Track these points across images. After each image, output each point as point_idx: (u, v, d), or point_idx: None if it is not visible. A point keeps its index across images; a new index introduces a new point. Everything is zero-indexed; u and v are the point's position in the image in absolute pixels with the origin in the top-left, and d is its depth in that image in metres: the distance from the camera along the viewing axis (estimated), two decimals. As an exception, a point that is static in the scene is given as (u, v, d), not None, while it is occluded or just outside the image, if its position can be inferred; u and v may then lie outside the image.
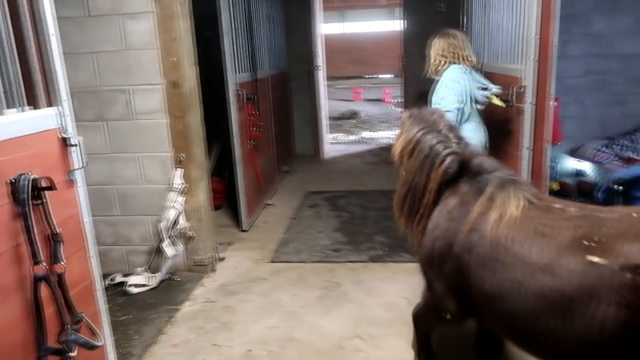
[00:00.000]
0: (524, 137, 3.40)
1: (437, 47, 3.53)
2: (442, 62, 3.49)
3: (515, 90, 3.46)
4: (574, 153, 5.73)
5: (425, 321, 2.48)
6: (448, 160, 2.12)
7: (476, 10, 5.08)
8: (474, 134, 3.45)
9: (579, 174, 5.75)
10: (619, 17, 5.35)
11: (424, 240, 2.20)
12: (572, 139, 5.66)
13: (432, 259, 2.13)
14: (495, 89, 3.48)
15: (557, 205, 1.82)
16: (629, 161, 5.02)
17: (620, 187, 2.76)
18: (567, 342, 1.63)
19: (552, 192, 4.19)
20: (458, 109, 3.34)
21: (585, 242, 1.59)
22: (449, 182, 2.14)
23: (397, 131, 2.50)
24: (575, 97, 5.63)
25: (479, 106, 3.53)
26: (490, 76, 4.40)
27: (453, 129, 2.33)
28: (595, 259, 1.54)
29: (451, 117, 3.24)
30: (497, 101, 3.53)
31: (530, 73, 3.28)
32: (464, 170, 2.13)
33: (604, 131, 5.71)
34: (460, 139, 2.27)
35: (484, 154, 2.28)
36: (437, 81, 3.53)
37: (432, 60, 3.55)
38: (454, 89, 3.36)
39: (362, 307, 3.37)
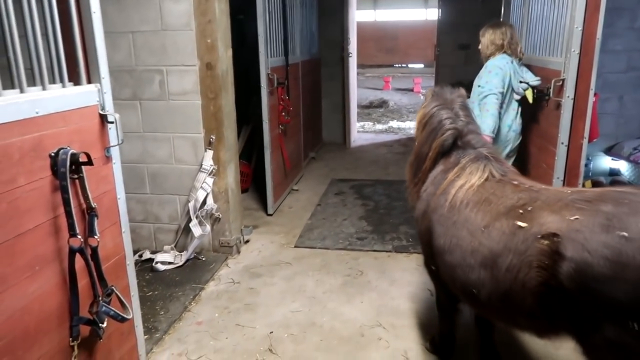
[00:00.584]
0: (560, 132, 3.31)
1: (489, 36, 3.72)
2: (493, 51, 3.70)
3: (554, 83, 3.36)
4: (610, 151, 5.57)
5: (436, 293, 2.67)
6: (447, 133, 2.35)
7: (516, 0, 4.93)
8: (513, 123, 3.73)
9: (613, 173, 5.59)
10: (666, 11, 5.13)
11: (417, 202, 2.46)
12: (609, 137, 5.49)
13: (417, 220, 2.43)
14: (535, 81, 3.67)
15: (515, 182, 2.04)
16: (667, 162, 4.85)
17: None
18: (494, 294, 1.85)
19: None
20: (501, 93, 3.56)
21: (520, 211, 1.83)
22: (444, 153, 2.38)
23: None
24: (615, 93, 5.45)
25: (515, 96, 3.71)
26: (528, 68, 4.30)
27: (466, 108, 2.49)
28: (522, 224, 1.77)
29: (494, 100, 3.52)
30: (529, 96, 3.69)
31: (572, 66, 3.18)
32: (457, 144, 2.36)
33: (642, 130, 5.52)
34: (468, 117, 2.45)
35: (478, 132, 2.45)
36: (483, 67, 3.72)
37: (484, 48, 3.76)
38: (498, 74, 3.57)
39: (385, 296, 3.37)
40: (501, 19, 5.72)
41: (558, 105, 3.38)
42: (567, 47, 3.22)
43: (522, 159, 4.38)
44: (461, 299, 2.22)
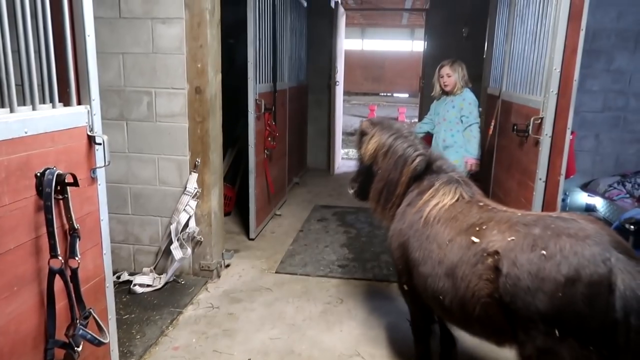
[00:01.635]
0: (539, 169, 3.41)
1: (461, 72, 4.38)
2: (463, 85, 4.39)
3: (533, 121, 3.48)
4: (586, 187, 5.72)
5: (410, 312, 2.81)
6: (417, 160, 2.61)
7: (499, 38, 5.12)
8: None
9: (589, 209, 5.73)
10: (640, 55, 5.37)
11: (392, 224, 2.65)
12: (585, 174, 5.66)
13: (392, 237, 2.62)
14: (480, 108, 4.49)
15: (481, 203, 2.31)
16: (641, 200, 5.00)
17: (632, 227, 2.76)
18: (454, 301, 2.07)
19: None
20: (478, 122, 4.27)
21: (477, 228, 2.07)
22: (416, 178, 2.62)
23: (365, 138, 2.89)
24: (591, 131, 5.64)
25: None
26: (507, 105, 4.45)
27: (414, 134, 2.83)
28: (476, 240, 2.01)
29: (476, 128, 4.25)
30: None
31: (550, 106, 3.30)
32: (428, 169, 2.62)
33: (617, 168, 5.70)
34: (422, 143, 2.76)
35: (443, 157, 2.75)
36: (452, 99, 4.41)
37: (456, 82, 4.37)
38: (476, 106, 4.36)
39: (364, 325, 3.36)
40: (484, 55, 5.93)
41: (537, 143, 3.48)
42: (546, 87, 3.34)
43: (503, 193, 4.48)
44: (432, 308, 2.41)
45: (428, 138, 4.65)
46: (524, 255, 1.81)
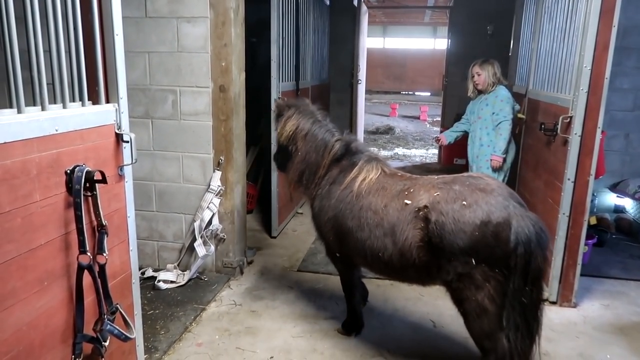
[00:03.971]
0: (567, 169, 3.33)
1: (490, 70, 4.38)
2: (494, 82, 4.39)
3: (562, 120, 3.40)
4: (615, 188, 5.57)
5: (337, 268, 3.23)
6: (337, 145, 2.95)
7: (525, 35, 5.02)
8: (513, 140, 4.43)
9: (618, 210, 5.58)
10: (673, 52, 5.20)
11: (315, 202, 3.00)
12: (614, 174, 5.51)
13: (320, 213, 2.96)
14: (517, 105, 4.49)
15: (399, 174, 2.78)
16: (673, 202, 4.85)
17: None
18: (394, 254, 2.51)
19: (590, 227, 4.09)
20: (512, 119, 4.31)
21: (406, 192, 2.54)
22: (335, 160, 2.95)
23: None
24: (621, 130, 5.49)
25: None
26: (534, 104, 4.36)
27: (328, 119, 3.15)
28: (408, 202, 2.49)
29: (507, 126, 4.26)
30: (521, 115, 4.56)
31: (579, 104, 3.22)
32: (346, 151, 2.96)
33: (648, 169, 5.53)
34: (335, 127, 3.08)
35: (357, 140, 3.07)
36: (485, 98, 4.44)
37: (486, 80, 4.39)
38: (509, 103, 4.32)
39: (387, 325, 3.34)
40: (510, 53, 5.82)
41: (565, 142, 3.41)
42: (576, 85, 3.26)
43: (529, 193, 4.40)
44: (367, 266, 2.86)
45: (465, 137, 4.72)
46: (449, 205, 2.32)
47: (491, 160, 4.31)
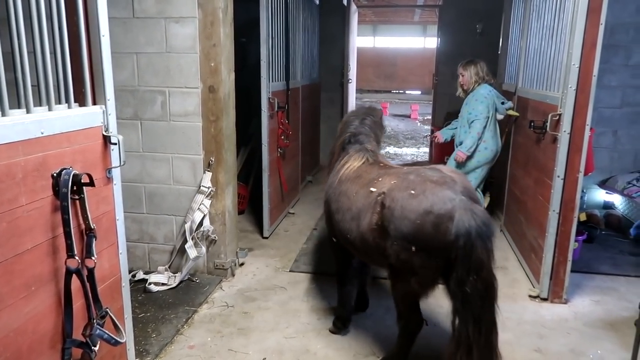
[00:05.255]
0: (557, 166, 3.35)
1: (472, 70, 4.46)
2: (477, 81, 4.46)
3: (551, 117, 3.42)
4: (604, 184, 5.62)
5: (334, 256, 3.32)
6: (346, 135, 3.21)
7: (514, 33, 5.05)
8: (491, 140, 4.43)
9: (607, 206, 5.63)
10: (660, 50, 5.26)
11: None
12: (603, 170, 5.57)
13: (324, 197, 3.17)
14: (510, 103, 4.54)
15: (381, 164, 2.93)
16: (661, 197, 4.90)
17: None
18: (358, 236, 2.69)
19: (579, 223, 4.12)
20: (486, 118, 4.35)
21: (375, 181, 2.69)
22: (344, 149, 3.19)
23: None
24: (609, 127, 5.55)
25: (499, 116, 4.48)
26: (524, 102, 4.38)
27: (368, 118, 3.28)
28: (373, 189, 2.63)
29: (477, 125, 4.34)
30: (513, 112, 4.54)
31: (568, 102, 3.24)
32: (350, 141, 3.18)
33: (636, 165, 5.60)
34: (366, 125, 3.23)
35: (365, 133, 3.19)
36: (468, 97, 4.52)
37: (468, 80, 4.49)
38: (483, 102, 4.37)
39: (380, 324, 3.34)
40: (499, 51, 5.85)
41: (554, 139, 3.43)
42: (564, 83, 3.28)
43: (519, 191, 4.42)
44: (349, 250, 2.99)
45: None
46: (399, 193, 2.45)
47: (456, 154, 4.46)
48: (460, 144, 4.48)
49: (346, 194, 2.80)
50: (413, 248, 2.36)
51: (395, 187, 2.50)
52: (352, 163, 2.99)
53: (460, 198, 2.31)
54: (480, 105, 4.34)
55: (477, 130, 4.32)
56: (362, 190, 2.71)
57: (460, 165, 4.42)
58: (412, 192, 2.40)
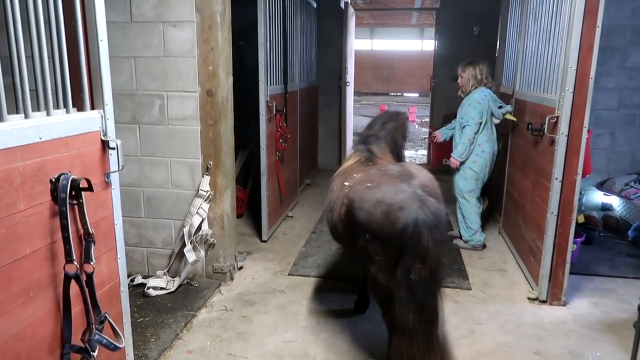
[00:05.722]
0: (555, 168, 3.36)
1: (470, 72, 4.44)
2: (474, 84, 4.43)
3: (548, 120, 3.43)
4: (602, 186, 5.64)
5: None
6: (359, 136, 3.42)
7: (511, 36, 5.06)
8: (487, 143, 4.44)
9: (605, 207, 5.65)
10: (656, 52, 5.29)
11: None
12: (601, 172, 5.58)
13: None
14: (508, 107, 4.52)
15: (370, 163, 2.99)
16: (659, 199, 4.92)
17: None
18: (333, 227, 2.88)
19: (577, 225, 4.13)
20: (479, 123, 4.35)
21: (351, 176, 2.81)
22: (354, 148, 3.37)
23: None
24: (607, 129, 5.56)
25: (495, 120, 4.49)
26: (521, 104, 4.39)
27: (389, 122, 3.48)
28: (347, 183, 2.78)
29: (469, 131, 4.35)
30: (510, 117, 4.51)
31: (566, 104, 3.25)
32: (359, 142, 3.33)
33: (634, 166, 5.62)
34: (384, 129, 3.40)
35: (377, 136, 3.33)
36: (464, 99, 4.51)
37: (465, 83, 4.48)
38: (476, 107, 4.34)
39: (380, 327, 3.32)
40: (496, 54, 5.86)
41: (552, 142, 3.43)
42: (562, 86, 3.29)
43: (518, 193, 4.43)
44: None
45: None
46: (359, 186, 2.61)
47: (450, 161, 4.53)
48: (455, 146, 4.53)
49: (334, 189, 2.98)
50: (367, 236, 2.50)
51: (358, 181, 2.67)
52: (348, 161, 3.15)
53: (412, 190, 2.41)
54: (473, 110, 4.33)
55: (467, 136, 4.34)
56: (339, 184, 2.89)
57: (464, 172, 4.44)
58: (369, 184, 2.56)
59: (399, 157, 3.48)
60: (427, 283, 2.36)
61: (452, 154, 4.49)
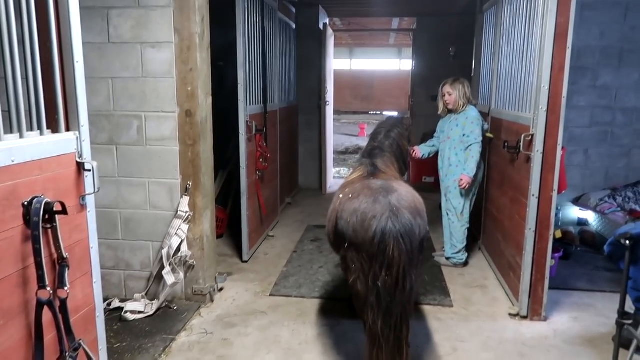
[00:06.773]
0: (531, 185, 3.42)
1: (462, 90, 4.44)
2: (465, 102, 4.46)
3: (524, 138, 3.50)
4: (578, 202, 5.75)
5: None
6: (365, 150, 3.57)
7: (486, 57, 5.18)
8: (481, 160, 4.47)
9: (581, 222, 5.75)
10: (624, 71, 5.48)
11: None
12: (576, 188, 5.69)
13: None
14: (486, 125, 4.63)
15: (371, 178, 3.00)
16: (631, 213, 5.03)
17: (627, 242, 2.76)
18: (329, 235, 3.01)
19: (555, 241, 4.19)
20: (482, 141, 4.40)
21: (346, 190, 2.87)
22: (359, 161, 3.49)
23: None
24: (580, 146, 5.70)
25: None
26: (497, 122, 4.48)
27: (392, 131, 3.68)
28: (341, 196, 2.84)
29: (477, 148, 4.36)
30: (489, 134, 4.62)
31: (540, 122, 3.32)
32: (364, 155, 3.50)
33: (607, 182, 5.75)
34: (387, 141, 3.59)
35: (379, 147, 3.49)
36: (456, 118, 4.50)
37: (457, 100, 4.46)
38: (478, 125, 4.39)
39: (361, 348, 3.29)
40: (472, 74, 6.00)
41: (528, 159, 3.50)
42: (535, 105, 3.37)
43: (496, 210, 4.48)
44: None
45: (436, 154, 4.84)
46: (344, 198, 2.76)
47: (460, 179, 4.39)
48: (450, 165, 4.53)
49: (335, 201, 3.04)
50: (345, 244, 2.63)
51: (344, 194, 2.81)
52: (352, 175, 3.28)
53: (387, 201, 2.53)
54: (477, 127, 4.36)
55: (478, 153, 4.36)
56: (336, 198, 2.99)
57: (464, 188, 4.43)
58: (350, 196, 2.71)
59: (405, 164, 3.71)
60: (393, 291, 2.45)
61: (463, 172, 4.39)
